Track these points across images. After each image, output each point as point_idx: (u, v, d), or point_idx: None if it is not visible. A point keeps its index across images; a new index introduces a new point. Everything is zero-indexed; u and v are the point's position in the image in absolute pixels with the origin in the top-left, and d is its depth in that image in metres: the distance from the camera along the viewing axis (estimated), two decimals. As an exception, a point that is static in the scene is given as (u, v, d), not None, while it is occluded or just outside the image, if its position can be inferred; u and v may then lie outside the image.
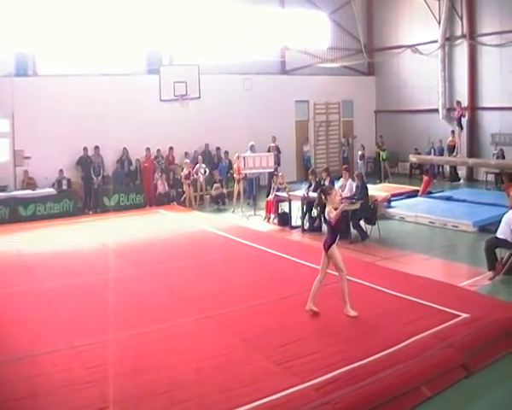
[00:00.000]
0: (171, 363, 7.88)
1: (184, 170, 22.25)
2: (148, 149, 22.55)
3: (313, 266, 12.62)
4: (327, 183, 17.01)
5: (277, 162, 22.46)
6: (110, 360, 7.83)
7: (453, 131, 24.73)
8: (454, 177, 25.96)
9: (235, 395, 6.89)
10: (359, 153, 27.89)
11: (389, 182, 25.48)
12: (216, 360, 7.94)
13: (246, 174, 20.96)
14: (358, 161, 27.80)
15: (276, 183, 19.19)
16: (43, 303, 10.85)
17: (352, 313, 9.40)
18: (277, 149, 24.21)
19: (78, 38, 21.46)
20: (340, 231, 10.22)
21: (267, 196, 19.93)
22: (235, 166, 21.47)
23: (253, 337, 8.73)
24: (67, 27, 21.33)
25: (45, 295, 11.33)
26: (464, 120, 24.51)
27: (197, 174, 22.64)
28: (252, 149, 21.72)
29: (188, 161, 22.80)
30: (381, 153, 27.54)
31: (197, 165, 22.87)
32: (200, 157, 23.39)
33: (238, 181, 21.13)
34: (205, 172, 22.85)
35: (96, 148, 21.74)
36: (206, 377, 7.43)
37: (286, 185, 19.10)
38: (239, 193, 21.25)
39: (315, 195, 16.81)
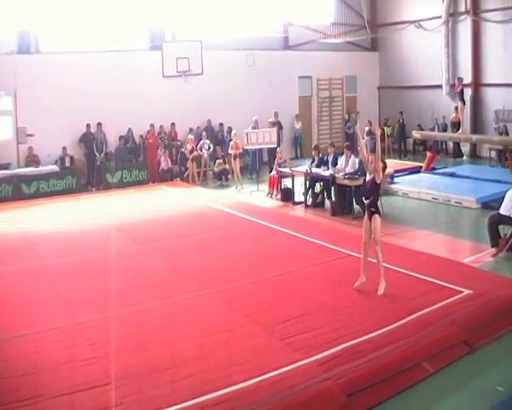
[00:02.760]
0: (174, 339, 7.89)
1: (188, 145, 22.16)
2: (152, 125, 22.52)
3: (316, 241, 12.69)
4: (330, 158, 16.95)
5: (278, 138, 22.28)
6: (112, 337, 7.86)
7: (456, 108, 24.52)
8: (457, 153, 25.78)
9: (237, 370, 6.91)
10: (366, 129, 27.38)
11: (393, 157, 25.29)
12: (218, 335, 7.96)
13: (240, 151, 21.22)
14: (365, 136, 27.43)
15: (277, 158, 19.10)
16: (46, 280, 10.85)
17: (358, 283, 9.53)
18: (279, 125, 24.03)
19: (80, 14, 21.27)
20: None
21: (270, 171, 19.84)
22: (231, 142, 21.43)
23: (256, 313, 8.74)
24: (70, 4, 21.15)
25: (48, 271, 11.35)
26: (467, 95, 24.39)
27: (201, 150, 22.57)
28: (256, 123, 21.76)
29: (191, 136, 22.71)
30: (386, 129, 27.35)
31: (201, 141, 22.79)
32: (204, 133, 23.27)
33: (235, 158, 21.08)
34: (209, 147, 22.76)
35: (99, 124, 21.63)
36: (208, 352, 7.44)
37: (285, 159, 18.98)
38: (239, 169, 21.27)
39: (318, 170, 16.92)
